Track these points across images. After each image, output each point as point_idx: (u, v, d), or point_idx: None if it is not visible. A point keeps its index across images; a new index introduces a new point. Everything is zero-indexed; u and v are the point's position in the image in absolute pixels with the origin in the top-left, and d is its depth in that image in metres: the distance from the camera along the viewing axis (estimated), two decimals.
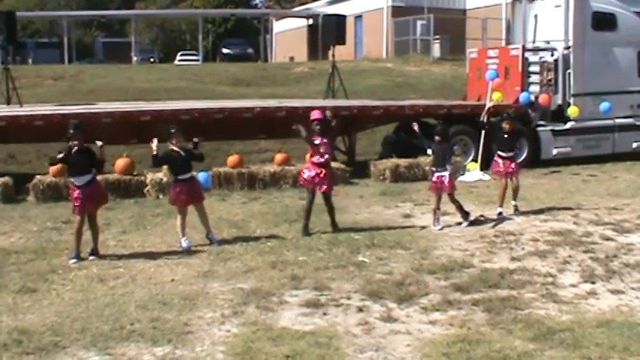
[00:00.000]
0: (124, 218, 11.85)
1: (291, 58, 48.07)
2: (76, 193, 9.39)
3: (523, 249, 9.76)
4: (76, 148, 9.46)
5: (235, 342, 6.48)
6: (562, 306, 7.46)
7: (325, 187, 10.87)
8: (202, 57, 50.45)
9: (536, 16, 19.33)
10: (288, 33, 54.49)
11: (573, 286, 8.19)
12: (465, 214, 11.23)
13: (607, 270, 8.75)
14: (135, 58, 48.88)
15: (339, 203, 12.93)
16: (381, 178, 15.60)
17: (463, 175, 15.77)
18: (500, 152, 12.19)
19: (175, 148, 10.14)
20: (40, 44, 55.56)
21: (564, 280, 8.38)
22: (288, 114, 15.96)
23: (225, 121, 15.48)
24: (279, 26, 56.60)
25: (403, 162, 15.78)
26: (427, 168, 15.60)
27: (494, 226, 11.11)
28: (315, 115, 11.07)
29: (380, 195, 13.91)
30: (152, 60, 52.11)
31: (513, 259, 9.29)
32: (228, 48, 52.47)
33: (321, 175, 10.81)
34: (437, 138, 11.32)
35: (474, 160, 16.60)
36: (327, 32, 22.57)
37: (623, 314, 7.22)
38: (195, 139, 10.44)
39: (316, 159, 10.87)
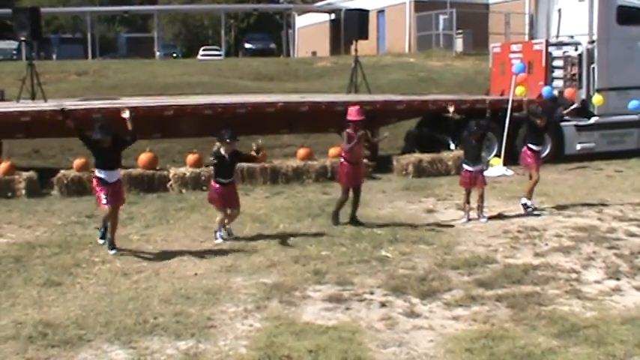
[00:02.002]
0: (147, 213, 11.89)
1: (314, 53, 48.07)
2: (102, 191, 9.32)
3: (547, 245, 9.71)
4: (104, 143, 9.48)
5: (258, 336, 6.49)
6: (586, 302, 7.42)
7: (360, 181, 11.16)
8: (225, 52, 50.59)
9: (559, 10, 19.20)
10: (310, 28, 54.50)
11: (597, 282, 8.13)
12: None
13: (632, 266, 8.68)
14: (158, 53, 49.08)
15: (362, 198, 12.93)
16: (404, 173, 15.57)
17: (486, 170, 15.68)
18: (531, 145, 12.05)
19: (224, 153, 10.07)
20: (63, 40, 55.80)
21: (588, 277, 8.33)
22: (310, 109, 15.98)
23: (248, 115, 15.49)
24: (301, 21, 56.62)
25: (426, 157, 15.75)
26: (450, 163, 15.60)
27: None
28: (353, 115, 11.00)
29: (403, 190, 13.89)
30: (175, 55, 52.28)
31: (537, 254, 9.24)
32: (250, 43, 52.64)
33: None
34: (474, 131, 11.39)
35: (497, 155, 16.52)
36: (350, 27, 22.51)
37: None
38: (256, 146, 10.55)
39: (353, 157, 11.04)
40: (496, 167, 15.92)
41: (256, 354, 6.13)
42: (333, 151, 15.44)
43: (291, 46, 54.90)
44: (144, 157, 14.12)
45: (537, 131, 12.09)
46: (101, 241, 9.66)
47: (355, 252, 9.33)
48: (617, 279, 8.23)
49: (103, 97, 18.81)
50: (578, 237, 10.04)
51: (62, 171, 13.78)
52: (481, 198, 11.21)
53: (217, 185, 10.09)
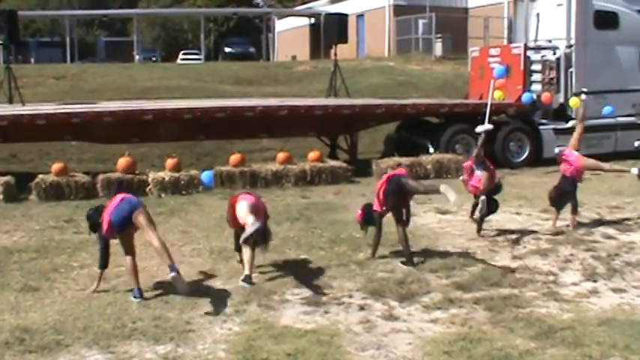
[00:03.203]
0: None
1: (293, 57, 48.08)
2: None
3: (524, 247, 9.77)
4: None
5: (237, 340, 6.50)
6: (563, 304, 7.48)
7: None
8: (204, 56, 50.47)
9: (538, 14, 19.35)
10: (290, 32, 54.52)
11: (575, 284, 8.20)
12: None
13: (608, 268, 8.76)
14: (137, 57, 48.91)
15: (341, 202, 12.97)
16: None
17: None
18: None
19: None
20: (42, 43, 55.55)
21: (566, 279, 8.40)
22: (289, 113, 16.00)
23: (227, 119, 15.49)
24: (281, 25, 56.63)
25: (405, 160, 15.79)
26: (429, 167, 15.65)
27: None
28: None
29: None
30: (154, 59, 52.14)
31: (515, 257, 9.30)
32: (230, 47, 52.57)
33: None
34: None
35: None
36: (329, 31, 22.60)
37: (625, 313, 7.23)
38: None
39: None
40: None
41: (235, 357, 6.13)
42: (312, 155, 15.46)
43: (270, 50, 54.88)
44: (122, 162, 14.06)
45: None
46: None
47: (334, 256, 9.34)
48: (594, 281, 8.30)
49: (82, 101, 18.73)
50: (555, 240, 10.10)
51: (40, 175, 13.70)
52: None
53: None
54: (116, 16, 60.27)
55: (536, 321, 6.92)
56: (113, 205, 7.83)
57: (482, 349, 6.24)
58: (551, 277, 8.44)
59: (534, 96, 17.25)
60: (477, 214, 10.34)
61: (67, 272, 8.71)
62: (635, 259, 9.18)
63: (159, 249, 7.55)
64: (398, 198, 9.09)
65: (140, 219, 7.64)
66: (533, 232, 10.61)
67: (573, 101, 15.71)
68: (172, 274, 7.33)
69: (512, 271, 8.65)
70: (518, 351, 6.20)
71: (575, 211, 10.80)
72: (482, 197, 10.02)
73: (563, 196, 10.77)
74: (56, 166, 13.74)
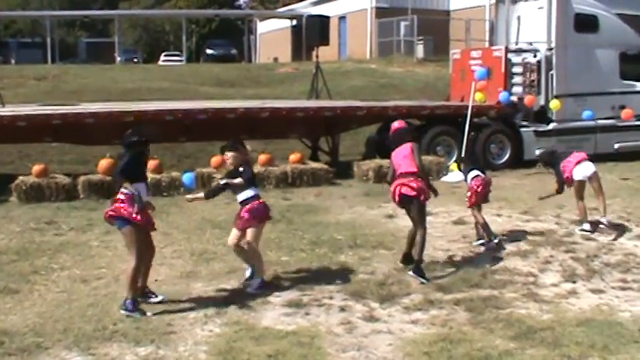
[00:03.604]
0: None
1: (275, 59, 48.09)
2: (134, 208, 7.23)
3: (505, 249, 9.82)
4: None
5: (218, 342, 6.50)
6: (543, 305, 7.54)
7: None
8: (186, 57, 50.42)
9: (519, 17, 19.43)
10: (271, 34, 54.50)
11: (554, 285, 8.27)
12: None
13: (587, 269, 8.83)
14: (118, 59, 48.77)
15: (322, 204, 13.00)
16: (364, 178, 15.63)
17: (446, 175, 15.83)
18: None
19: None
20: (22, 44, 55.26)
21: (545, 280, 8.46)
22: (271, 115, 16.00)
23: (209, 121, 15.46)
24: (262, 27, 56.59)
25: (386, 162, 15.73)
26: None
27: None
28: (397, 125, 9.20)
29: (363, 195, 13.94)
30: (135, 60, 51.99)
31: (495, 258, 9.35)
32: (211, 49, 52.51)
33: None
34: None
35: (457, 161, 16.65)
36: (311, 33, 22.60)
37: (603, 313, 7.30)
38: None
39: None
40: (456, 173, 16.02)
41: (216, 359, 6.15)
42: (293, 157, 15.48)
43: (252, 52, 54.85)
44: (104, 163, 13.99)
45: None
46: None
47: (315, 257, 9.37)
48: (574, 282, 8.38)
49: (63, 102, 18.65)
50: (535, 241, 10.16)
51: (20, 177, 13.63)
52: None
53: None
54: (97, 17, 60.08)
55: (516, 322, 6.98)
56: None
57: (462, 349, 6.29)
58: (531, 279, 8.50)
59: (514, 97, 17.45)
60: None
61: (47, 274, 8.68)
62: (614, 259, 9.26)
63: None
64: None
65: None
66: (513, 233, 10.67)
67: (554, 104, 15.85)
68: None
69: (492, 272, 8.70)
70: (497, 351, 6.25)
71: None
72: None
73: None
74: (37, 168, 13.68)
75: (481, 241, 9.95)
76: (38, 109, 15.91)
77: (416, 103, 19.46)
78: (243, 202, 8.11)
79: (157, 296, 7.59)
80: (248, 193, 8.09)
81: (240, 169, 8.08)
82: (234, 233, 8.19)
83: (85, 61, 50.62)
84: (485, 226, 9.93)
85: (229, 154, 8.14)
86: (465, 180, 10.24)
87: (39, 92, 25.28)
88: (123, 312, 7.16)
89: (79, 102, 18.93)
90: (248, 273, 8.28)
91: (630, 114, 17.21)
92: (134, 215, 7.16)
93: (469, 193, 9.98)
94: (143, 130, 7.67)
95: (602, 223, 10.71)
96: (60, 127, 14.48)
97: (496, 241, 9.82)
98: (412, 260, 8.64)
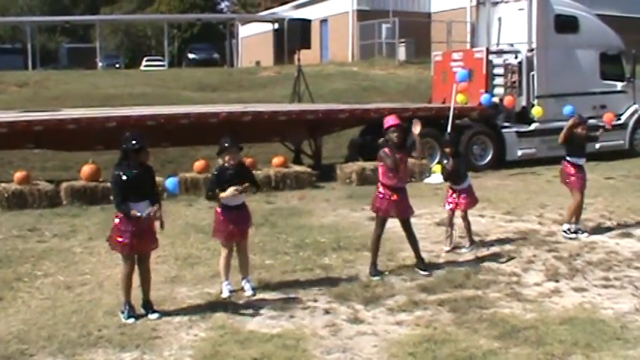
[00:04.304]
0: (90, 225, 11.77)
1: (257, 63, 48.07)
2: (124, 226, 7.47)
3: (488, 249, 9.87)
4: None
5: (203, 346, 6.50)
6: (526, 304, 7.58)
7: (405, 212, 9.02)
8: (168, 62, 50.34)
9: (500, 19, 19.54)
10: (253, 37, 54.49)
11: (537, 284, 8.32)
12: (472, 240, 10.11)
13: (570, 268, 8.90)
14: (100, 64, 48.62)
15: (305, 207, 13.02)
16: (347, 181, 15.67)
17: (429, 177, 15.89)
18: (572, 159, 10.91)
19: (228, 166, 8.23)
20: (2, 50, 54.86)
21: (529, 279, 8.51)
22: (253, 119, 16.00)
23: (191, 126, 15.45)
24: (244, 31, 56.56)
25: (369, 165, 15.81)
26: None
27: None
28: (391, 121, 8.77)
29: (346, 198, 13.97)
30: (117, 65, 51.85)
31: (478, 259, 9.40)
32: (193, 53, 52.47)
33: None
34: (447, 150, 10.29)
35: (440, 162, 16.70)
36: (293, 36, 22.62)
37: (586, 311, 7.35)
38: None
39: (393, 181, 8.83)
40: (438, 174, 16.08)
41: None
42: (276, 160, 15.49)
43: (234, 56, 54.83)
44: (86, 169, 13.96)
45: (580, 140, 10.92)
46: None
47: (299, 260, 9.38)
48: (557, 281, 8.43)
49: (44, 108, 18.56)
50: (519, 241, 10.23)
51: (2, 184, 13.55)
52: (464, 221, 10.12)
53: (224, 212, 8.18)
54: (78, 22, 59.83)
55: (500, 321, 7.02)
56: None
57: (446, 349, 6.32)
58: (515, 278, 8.55)
59: (495, 99, 17.52)
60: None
61: (31, 281, 8.65)
62: (596, 258, 9.34)
63: None
64: None
65: None
66: (496, 233, 10.73)
67: (536, 110, 15.95)
68: None
69: (476, 272, 8.74)
70: (482, 351, 6.28)
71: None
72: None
73: None
74: (19, 175, 13.62)
75: (470, 248, 9.93)
76: (20, 115, 15.83)
77: (398, 105, 19.50)
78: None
79: (153, 313, 7.39)
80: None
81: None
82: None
83: (66, 66, 50.35)
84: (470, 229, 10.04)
85: (237, 154, 8.41)
86: (464, 184, 10.13)
87: (20, 99, 25.19)
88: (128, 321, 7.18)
89: (61, 108, 18.86)
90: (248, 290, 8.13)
91: (612, 117, 17.31)
92: (123, 242, 7.41)
93: (465, 197, 9.97)
94: (139, 136, 7.96)
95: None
96: (42, 133, 14.41)
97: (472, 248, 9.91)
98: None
